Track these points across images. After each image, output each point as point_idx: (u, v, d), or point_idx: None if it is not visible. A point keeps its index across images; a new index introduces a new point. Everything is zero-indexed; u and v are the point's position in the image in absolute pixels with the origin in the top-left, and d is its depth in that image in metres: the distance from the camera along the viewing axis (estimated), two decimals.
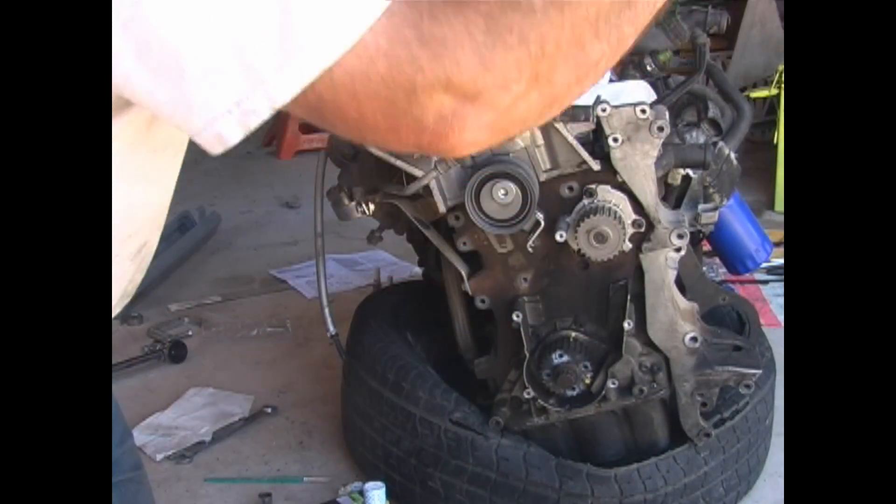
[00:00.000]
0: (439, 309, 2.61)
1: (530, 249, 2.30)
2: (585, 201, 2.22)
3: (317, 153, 2.80)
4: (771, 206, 4.53)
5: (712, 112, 2.60)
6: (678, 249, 2.27)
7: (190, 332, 3.51)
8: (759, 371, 2.40)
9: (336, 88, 0.81)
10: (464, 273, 2.38)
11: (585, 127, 2.21)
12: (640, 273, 2.30)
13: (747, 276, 3.38)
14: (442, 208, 2.29)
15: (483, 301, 2.38)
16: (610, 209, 2.20)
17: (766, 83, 4.91)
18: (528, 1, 0.82)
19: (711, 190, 2.39)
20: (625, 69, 2.64)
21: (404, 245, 2.89)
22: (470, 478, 2.39)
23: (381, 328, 2.69)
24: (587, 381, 2.35)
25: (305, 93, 0.81)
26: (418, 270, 3.06)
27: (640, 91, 2.37)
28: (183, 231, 4.23)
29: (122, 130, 0.99)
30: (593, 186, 2.22)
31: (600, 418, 2.46)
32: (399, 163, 2.26)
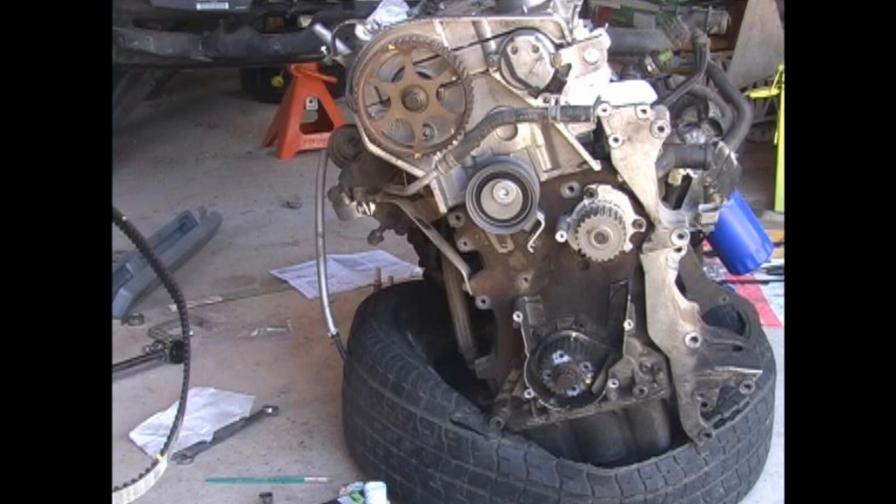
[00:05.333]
0: (440, 309, 2.61)
1: (531, 249, 2.30)
2: (586, 201, 2.23)
3: (318, 153, 2.80)
4: (771, 206, 4.53)
5: (713, 112, 2.61)
6: (679, 249, 2.27)
7: (191, 332, 3.51)
8: (760, 371, 2.40)
9: None
10: (464, 273, 2.38)
11: (586, 127, 2.22)
12: (640, 273, 2.30)
13: (747, 276, 3.38)
14: (443, 208, 2.29)
15: (484, 301, 2.38)
16: (610, 209, 2.20)
17: (766, 83, 4.91)
18: None
19: (712, 190, 2.39)
20: (625, 69, 2.65)
21: (405, 245, 2.89)
22: (470, 478, 2.39)
23: (382, 328, 2.70)
24: (588, 382, 2.35)
25: None
26: (419, 270, 3.06)
27: (640, 91, 2.37)
28: (184, 231, 4.24)
29: None
30: (594, 186, 2.23)
31: (601, 418, 2.46)
32: (400, 163, 2.27)
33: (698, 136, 2.47)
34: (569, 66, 2.18)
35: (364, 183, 2.44)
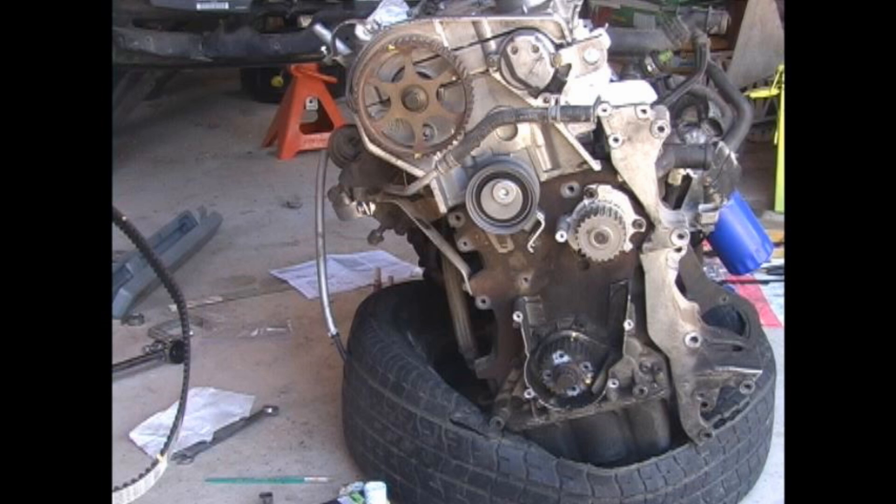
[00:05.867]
0: (440, 309, 2.61)
1: (531, 249, 2.30)
2: (586, 201, 2.23)
3: (318, 153, 2.80)
4: (771, 206, 4.53)
5: (713, 112, 2.61)
6: (679, 249, 2.27)
7: (191, 332, 3.51)
8: (760, 371, 2.40)
9: None
10: (464, 273, 2.38)
11: (586, 127, 2.22)
12: (640, 273, 2.30)
13: (747, 276, 3.38)
14: (443, 208, 2.29)
15: (484, 301, 2.38)
16: (610, 209, 2.20)
17: (766, 83, 4.91)
18: None
19: (712, 190, 2.39)
20: (625, 69, 2.65)
21: (405, 245, 2.89)
22: (470, 478, 2.39)
23: (382, 328, 2.70)
24: (588, 382, 2.35)
25: None
26: (418, 270, 3.06)
27: (640, 91, 2.37)
28: (184, 231, 4.24)
29: None
30: (594, 186, 2.23)
31: (601, 418, 2.46)
32: (400, 163, 2.27)
33: (698, 136, 2.47)
34: (569, 66, 2.18)
35: (364, 183, 2.44)
